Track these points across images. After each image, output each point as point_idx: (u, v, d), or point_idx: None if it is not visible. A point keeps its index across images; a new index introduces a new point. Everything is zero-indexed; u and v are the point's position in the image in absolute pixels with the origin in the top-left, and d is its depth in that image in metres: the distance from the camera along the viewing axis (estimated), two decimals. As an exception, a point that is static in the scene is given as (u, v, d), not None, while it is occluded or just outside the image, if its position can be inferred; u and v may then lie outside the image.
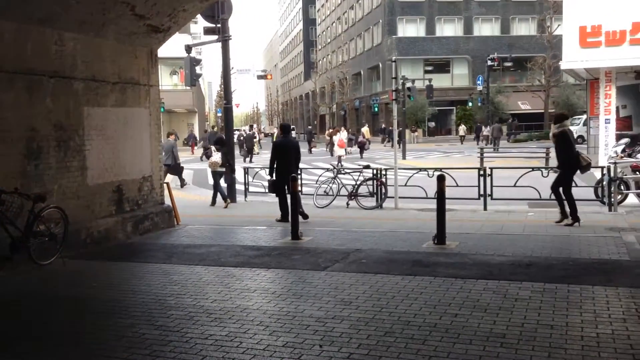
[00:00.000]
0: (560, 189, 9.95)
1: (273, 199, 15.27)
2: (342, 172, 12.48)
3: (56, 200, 8.28)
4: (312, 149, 40.46)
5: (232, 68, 51.80)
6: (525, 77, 52.08)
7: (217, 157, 14.30)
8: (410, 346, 4.54)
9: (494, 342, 4.55)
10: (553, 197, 10.63)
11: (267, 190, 12.84)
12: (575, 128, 38.79)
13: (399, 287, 6.23)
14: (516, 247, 8.09)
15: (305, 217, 11.09)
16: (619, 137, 17.83)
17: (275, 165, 11.15)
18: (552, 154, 23.29)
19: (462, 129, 48.72)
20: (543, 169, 11.99)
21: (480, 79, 48.21)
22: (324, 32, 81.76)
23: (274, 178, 11.20)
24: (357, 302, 5.72)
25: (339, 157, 28.60)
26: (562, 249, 7.87)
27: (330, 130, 35.12)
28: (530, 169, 12.41)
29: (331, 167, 14.27)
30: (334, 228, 10.37)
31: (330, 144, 34.77)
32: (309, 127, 50.41)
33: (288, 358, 4.36)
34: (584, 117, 39.92)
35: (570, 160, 9.84)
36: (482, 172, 12.11)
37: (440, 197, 8.57)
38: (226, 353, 4.49)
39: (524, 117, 52.08)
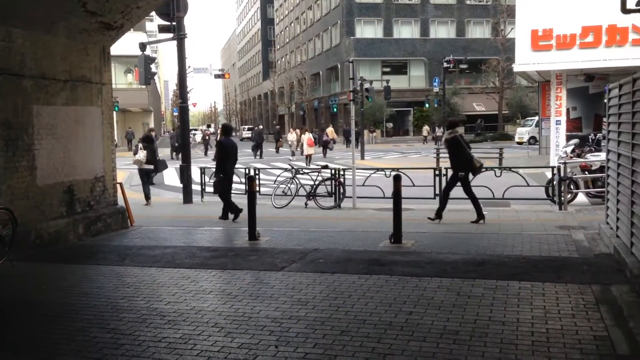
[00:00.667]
0: (470, 191, 10.54)
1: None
2: (301, 172, 12.47)
3: (4, 201, 8.00)
4: (280, 148, 40.46)
5: (189, 67, 51.25)
6: (480, 79, 53.19)
7: (141, 155, 14.30)
8: (365, 344, 4.56)
9: (447, 339, 4.62)
10: (505, 196, 10.98)
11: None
12: (528, 129, 39.91)
13: (356, 287, 6.26)
14: (470, 246, 8.23)
15: (237, 215, 11.42)
16: (569, 138, 18.36)
17: (219, 165, 11.44)
18: (506, 154, 23.99)
19: (426, 129, 49.32)
20: (496, 169, 12.22)
21: (437, 80, 48.96)
22: (283, 32, 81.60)
23: (221, 177, 11.41)
24: (314, 302, 5.72)
25: (309, 156, 28.81)
26: (514, 246, 8.05)
27: (298, 130, 35.45)
28: (485, 169, 12.62)
29: (289, 167, 14.22)
30: (291, 228, 10.35)
31: (300, 144, 34.98)
32: (277, 126, 50.36)
33: (243, 359, 4.32)
34: (536, 118, 41.11)
35: (462, 164, 10.42)
36: (437, 172, 12.26)
37: (397, 196, 8.66)
38: (180, 356, 4.42)
39: (479, 118, 53.15)
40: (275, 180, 14.54)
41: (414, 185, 12.67)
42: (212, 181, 11.92)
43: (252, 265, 7.36)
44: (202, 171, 15.23)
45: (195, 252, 8.30)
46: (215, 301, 5.82)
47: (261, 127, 50.20)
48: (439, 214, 10.68)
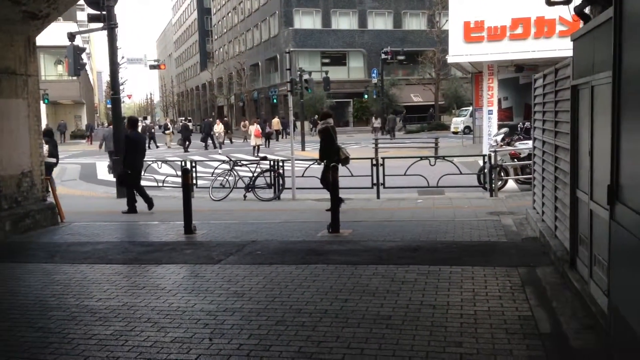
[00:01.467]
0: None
1: (166, 193, 14.95)
2: (239, 164, 12.37)
3: None
4: (232, 140, 40.10)
5: (123, 57, 49.65)
6: (417, 70, 54.17)
7: (44, 149, 13.95)
8: (300, 333, 4.59)
9: (380, 324, 4.71)
10: (439, 184, 11.28)
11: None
12: (463, 119, 40.97)
13: (292, 277, 6.28)
14: (405, 233, 8.41)
15: (151, 206, 11.52)
16: (500, 127, 18.96)
17: (127, 159, 11.42)
18: (442, 143, 24.57)
19: (378, 121, 49.70)
20: (431, 158, 12.52)
21: (375, 71, 49.53)
22: (220, 22, 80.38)
23: (128, 171, 11.42)
24: (250, 294, 5.70)
25: (257, 146, 28.92)
26: (447, 233, 8.27)
27: (246, 122, 35.45)
28: (419, 158, 12.94)
29: (227, 159, 14.08)
30: (229, 221, 10.27)
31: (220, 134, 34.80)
32: (225, 118, 49.77)
33: (176, 353, 4.27)
34: (470, 108, 42.24)
35: (330, 154, 10.75)
36: (374, 162, 12.44)
37: (333, 186, 8.73)
38: (110, 352, 4.32)
39: (416, 108, 54.19)
40: (212, 173, 14.37)
41: (352, 176, 12.80)
42: (113, 172, 11.76)
43: (188, 259, 7.27)
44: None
45: (128, 247, 8.11)
46: (148, 296, 5.72)
47: (226, 118, 49.64)
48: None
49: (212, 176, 14.01)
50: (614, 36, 3.60)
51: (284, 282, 6.11)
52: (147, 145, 34.62)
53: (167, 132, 40.65)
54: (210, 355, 4.22)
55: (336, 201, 8.73)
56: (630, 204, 3.35)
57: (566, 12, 8.76)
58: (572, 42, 5.60)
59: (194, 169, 14.37)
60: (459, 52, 21.06)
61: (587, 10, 6.60)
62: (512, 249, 7.15)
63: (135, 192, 11.61)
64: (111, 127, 16.47)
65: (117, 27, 13.98)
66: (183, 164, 13.12)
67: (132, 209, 11.51)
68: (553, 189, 6.89)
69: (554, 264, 6.23)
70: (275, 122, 42.33)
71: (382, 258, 6.97)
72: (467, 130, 39.53)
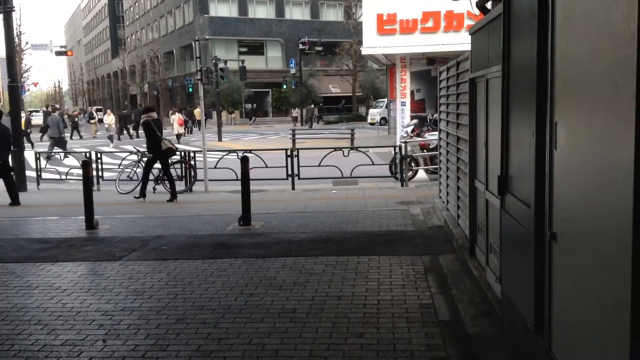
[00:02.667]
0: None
1: (71, 186, 14.23)
2: (146, 155, 11.92)
3: None
4: (96, 132, 38.58)
5: (27, 43, 46.74)
6: (335, 61, 54.58)
7: None
8: (201, 331, 4.47)
9: (284, 319, 4.66)
10: (353, 175, 11.45)
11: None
12: (379, 110, 41.73)
13: (198, 272, 6.12)
14: (317, 224, 8.41)
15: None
16: (412, 119, 19.37)
17: None
18: (358, 134, 24.89)
19: (296, 111, 49.57)
20: (345, 149, 12.61)
21: (293, 62, 49.45)
22: (132, 8, 77.43)
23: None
24: (151, 291, 5.50)
25: (179, 135, 28.58)
26: (357, 223, 8.35)
27: (170, 111, 34.63)
28: (333, 149, 13.01)
29: (135, 150, 13.56)
30: (135, 215, 9.91)
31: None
32: (93, 108, 48.05)
33: (66, 357, 4.03)
34: (386, 100, 43.13)
35: (153, 146, 11.55)
36: (289, 153, 12.39)
37: (245, 178, 8.59)
38: (-8, 360, 4.02)
39: (334, 100, 54.73)
40: (119, 165, 13.81)
41: (266, 167, 12.68)
42: None
43: (87, 256, 6.92)
44: (37, 156, 14.05)
45: (23, 244, 7.63)
46: (41, 297, 5.38)
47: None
48: (142, 193, 11.63)
49: (119, 168, 13.45)
50: (502, 31, 3.69)
51: (188, 278, 5.94)
52: (70, 135, 33.17)
53: (92, 121, 38.91)
54: (102, 357, 4.02)
55: (247, 193, 8.60)
56: (517, 194, 3.46)
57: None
58: (470, 36, 5.75)
59: (99, 161, 13.75)
60: (373, 44, 21.34)
61: (488, 4, 6.82)
62: (417, 238, 7.31)
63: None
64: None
65: (13, 10, 13.10)
66: (86, 156, 12.52)
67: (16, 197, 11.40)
68: (455, 179, 7.09)
69: (456, 252, 6.42)
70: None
71: (291, 250, 6.93)
72: (384, 121, 40.35)
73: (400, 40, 20.84)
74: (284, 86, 51.22)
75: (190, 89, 47.89)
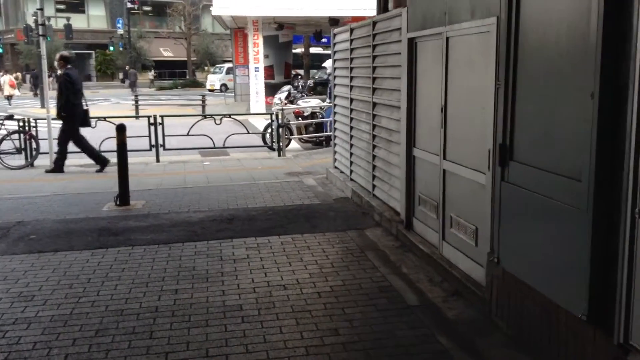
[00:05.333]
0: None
1: None
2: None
3: None
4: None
5: None
6: (166, 23, 51.55)
7: None
8: (136, 344, 3.56)
9: (234, 319, 3.90)
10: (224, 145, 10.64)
11: None
12: (219, 77, 40.34)
13: (92, 266, 5.02)
14: (209, 201, 7.52)
15: None
16: (284, 85, 18.50)
17: None
18: (209, 101, 23.63)
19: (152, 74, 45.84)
20: (216, 117, 11.61)
21: (120, 22, 45.76)
22: None
23: None
24: (43, 295, 4.37)
25: (9, 96, 24.86)
26: (254, 197, 7.61)
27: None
28: (203, 117, 11.94)
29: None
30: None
31: None
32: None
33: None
34: (226, 65, 41.80)
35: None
36: (152, 121, 11.09)
37: (122, 150, 7.39)
38: None
39: (167, 64, 51.82)
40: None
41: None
42: None
43: None
44: None
45: None
46: None
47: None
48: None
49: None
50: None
51: (84, 274, 4.84)
52: None
53: None
54: (17, 400, 2.96)
55: (124, 167, 7.41)
56: (541, 165, 3.07)
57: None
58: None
59: None
60: (224, 4, 20.17)
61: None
62: (330, 212, 6.80)
63: None
64: None
65: None
66: None
67: None
68: (371, 148, 6.67)
69: (382, 225, 6.03)
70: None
71: (196, 233, 6.03)
72: (224, 87, 39.11)
73: (253, 1, 19.92)
74: (112, 48, 47.28)
75: (1, 50, 42.10)
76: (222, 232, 6.01)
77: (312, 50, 39.43)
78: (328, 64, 12.97)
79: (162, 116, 11.25)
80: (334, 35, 8.42)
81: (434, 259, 4.69)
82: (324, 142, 12.74)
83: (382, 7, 8.31)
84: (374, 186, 6.67)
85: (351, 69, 7.46)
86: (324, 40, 37.56)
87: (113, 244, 5.67)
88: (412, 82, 5.25)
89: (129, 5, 42.87)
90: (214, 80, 40.17)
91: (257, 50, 21.11)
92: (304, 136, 12.35)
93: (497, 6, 3.58)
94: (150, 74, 47.62)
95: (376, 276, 4.66)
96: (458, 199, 4.36)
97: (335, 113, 8.58)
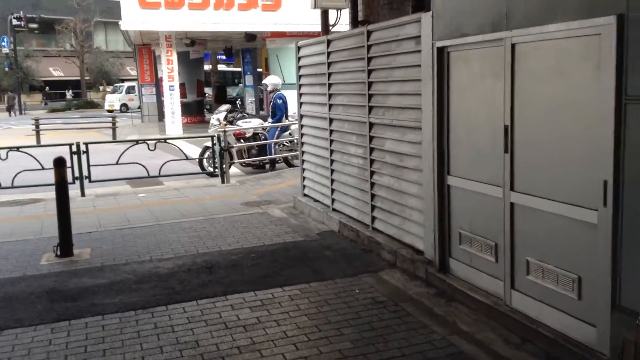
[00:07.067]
0: None
1: None
2: None
3: None
4: None
5: None
6: (55, 40, 48.09)
7: None
8: None
9: None
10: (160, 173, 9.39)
11: None
12: (119, 96, 37.98)
13: (61, 349, 3.77)
14: (170, 244, 6.30)
15: None
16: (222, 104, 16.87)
17: None
18: (122, 122, 21.72)
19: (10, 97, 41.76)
20: (149, 142, 10.21)
21: (5, 40, 42.03)
22: None
23: None
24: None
25: None
26: (223, 237, 6.48)
27: None
28: (135, 142, 10.48)
29: None
30: None
31: None
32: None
33: None
34: (126, 84, 39.48)
35: None
36: (74, 149, 9.55)
37: (62, 188, 6.03)
38: None
39: (57, 84, 48.18)
40: None
41: (43, 168, 9.63)
42: None
43: None
44: None
45: None
46: None
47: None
48: None
49: None
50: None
51: (49, 364, 3.58)
52: None
53: None
54: None
55: (66, 209, 6.05)
56: None
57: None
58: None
59: None
60: (133, 19, 18.60)
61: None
62: (324, 250, 5.84)
63: None
64: None
65: None
66: None
67: None
68: (367, 174, 5.82)
69: (398, 266, 5.17)
70: None
71: (176, 290, 4.86)
72: (124, 108, 36.79)
73: (166, 16, 18.56)
74: (-4, 68, 43.31)
75: None
76: (208, 287, 4.89)
77: (222, 67, 38.26)
78: (269, 80, 11.97)
79: (85, 143, 9.72)
80: (299, 48, 7.53)
81: (499, 312, 3.89)
82: (266, 166, 11.73)
83: (352, 18, 7.60)
84: (373, 218, 5.81)
85: (329, 85, 6.59)
86: (222, 57, 36.51)
87: (75, 314, 4.39)
88: (443, 98, 4.46)
89: (16, 22, 39.44)
90: (113, 100, 37.67)
91: (171, 67, 19.64)
92: (247, 160, 11.26)
93: (618, 2, 2.87)
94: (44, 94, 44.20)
95: (434, 339, 3.79)
96: (540, 239, 3.59)
97: (303, 135, 7.66)
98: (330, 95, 6.59)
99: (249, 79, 28.44)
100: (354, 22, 7.62)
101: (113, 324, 4.19)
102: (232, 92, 34.68)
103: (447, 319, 4.07)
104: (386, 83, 5.38)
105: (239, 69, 35.56)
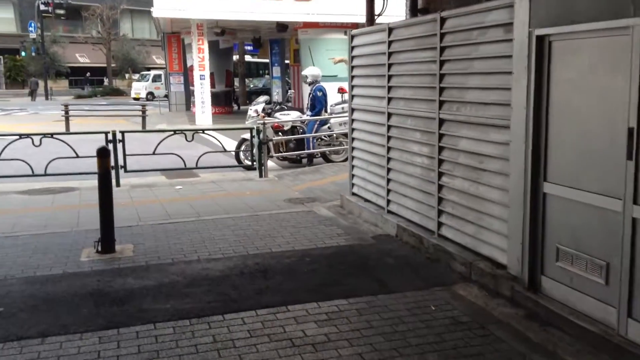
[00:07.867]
0: None
1: None
2: None
3: None
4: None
5: None
6: (81, 27, 48.11)
7: None
8: None
9: None
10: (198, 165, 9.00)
11: None
12: (145, 84, 37.78)
13: (111, 366, 3.35)
14: (216, 242, 5.88)
15: None
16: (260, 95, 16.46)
17: None
18: (150, 111, 21.41)
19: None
20: (187, 132, 9.78)
21: (33, 25, 42.06)
22: None
23: None
24: None
25: None
26: (271, 237, 6.02)
27: None
28: (173, 132, 10.08)
29: None
30: None
31: None
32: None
33: None
34: (152, 73, 39.28)
35: None
36: (110, 137, 9.17)
37: (105, 180, 5.64)
38: None
39: (83, 70, 48.20)
40: None
41: (77, 156, 9.29)
42: None
43: None
44: None
45: None
46: None
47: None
48: None
49: None
50: None
51: (103, 382, 3.16)
52: None
53: None
54: None
55: (109, 203, 5.65)
56: None
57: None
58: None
59: None
60: (167, 5, 18.24)
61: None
62: (385, 257, 5.37)
63: None
64: None
65: None
66: None
67: None
68: (434, 175, 5.33)
69: (473, 280, 4.67)
70: None
71: (231, 297, 4.43)
72: (150, 96, 36.56)
73: (199, 3, 18.15)
74: (24, 53, 43.38)
75: None
76: (265, 295, 4.45)
77: (247, 58, 37.90)
78: (309, 71, 11.51)
79: (122, 132, 9.35)
80: (352, 37, 7.04)
81: (612, 344, 3.38)
82: (303, 160, 11.27)
83: (412, 6, 7.10)
84: (440, 224, 5.32)
85: (389, 77, 6.09)
86: (249, 48, 36.05)
87: (124, 321, 3.98)
88: (541, 94, 3.95)
89: (43, 7, 39.39)
90: (139, 88, 37.52)
91: (202, 56, 19.25)
92: (285, 154, 10.82)
93: None
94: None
95: (539, 370, 3.30)
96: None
97: (353, 130, 7.18)
98: (389, 88, 6.10)
99: (276, 71, 27.99)
100: (413, 11, 7.14)
101: (167, 334, 3.77)
102: (257, 83, 34.31)
103: (547, 348, 3.57)
104: (464, 75, 4.87)
105: (264, 60, 35.18)
